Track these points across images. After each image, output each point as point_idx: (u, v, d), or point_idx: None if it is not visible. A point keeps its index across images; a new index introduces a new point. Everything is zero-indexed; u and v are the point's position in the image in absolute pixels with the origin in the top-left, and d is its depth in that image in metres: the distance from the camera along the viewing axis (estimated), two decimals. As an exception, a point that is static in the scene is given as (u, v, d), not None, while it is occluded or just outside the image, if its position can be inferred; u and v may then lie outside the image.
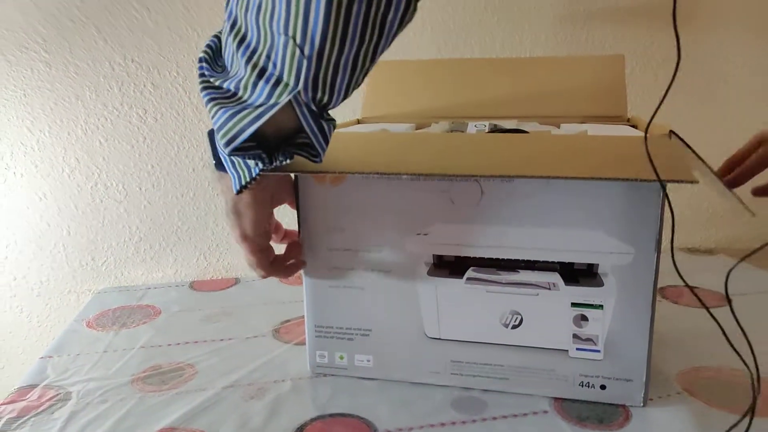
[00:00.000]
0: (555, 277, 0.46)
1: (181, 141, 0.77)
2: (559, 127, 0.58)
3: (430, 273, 0.49)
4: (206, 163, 0.77)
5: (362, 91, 0.75)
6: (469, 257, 0.48)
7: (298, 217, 0.50)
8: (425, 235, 0.48)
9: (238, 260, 0.82)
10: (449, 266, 0.48)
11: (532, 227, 0.45)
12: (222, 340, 0.62)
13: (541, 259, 0.46)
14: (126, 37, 0.73)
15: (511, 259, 0.47)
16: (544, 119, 0.60)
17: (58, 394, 0.52)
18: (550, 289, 0.46)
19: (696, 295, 0.41)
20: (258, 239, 0.46)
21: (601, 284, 0.45)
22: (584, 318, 0.46)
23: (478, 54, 0.80)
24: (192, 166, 0.78)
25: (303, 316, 0.53)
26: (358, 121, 0.65)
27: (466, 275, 0.48)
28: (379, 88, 0.68)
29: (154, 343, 0.61)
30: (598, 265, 0.45)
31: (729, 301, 0.38)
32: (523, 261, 0.47)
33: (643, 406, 0.47)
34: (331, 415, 0.47)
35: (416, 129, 0.62)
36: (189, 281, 0.80)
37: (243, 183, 0.39)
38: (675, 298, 0.69)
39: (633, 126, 0.56)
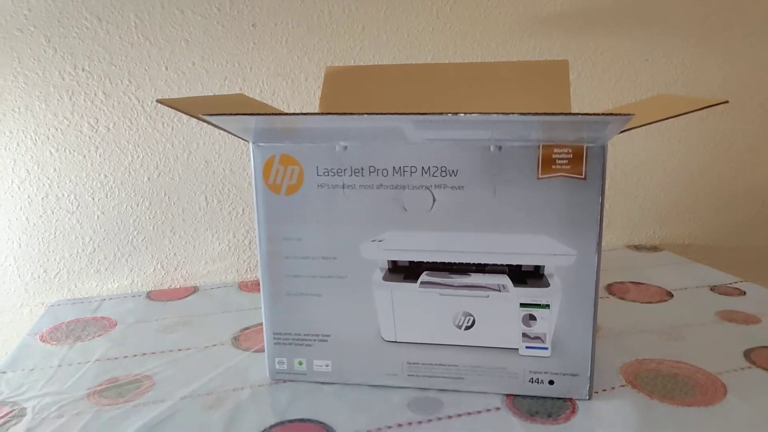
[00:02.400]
0: (504, 279, 0.48)
1: (135, 150, 0.76)
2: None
3: (385, 278, 0.50)
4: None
5: (317, 96, 0.76)
6: (423, 262, 0.49)
7: (257, 226, 0.51)
8: (380, 241, 0.49)
9: (196, 269, 0.82)
10: (403, 271, 0.50)
11: (481, 232, 0.47)
12: (180, 350, 0.62)
13: (491, 262, 0.48)
14: (76, 47, 0.72)
15: (462, 263, 0.48)
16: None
17: (12, 411, 0.51)
18: (500, 290, 0.48)
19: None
20: None
21: (547, 285, 0.47)
22: (532, 317, 0.48)
23: (432, 60, 0.82)
24: (147, 176, 0.78)
25: (262, 324, 0.53)
26: (313, 130, 0.66)
27: (420, 279, 0.49)
28: (334, 94, 0.69)
29: (110, 355, 0.61)
30: (544, 266, 0.47)
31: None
32: (474, 264, 0.48)
33: (589, 399, 0.49)
34: (291, 421, 0.48)
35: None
36: (146, 291, 0.80)
37: None
38: (621, 294, 0.72)
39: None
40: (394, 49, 0.81)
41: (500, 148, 0.46)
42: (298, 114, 0.45)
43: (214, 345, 0.63)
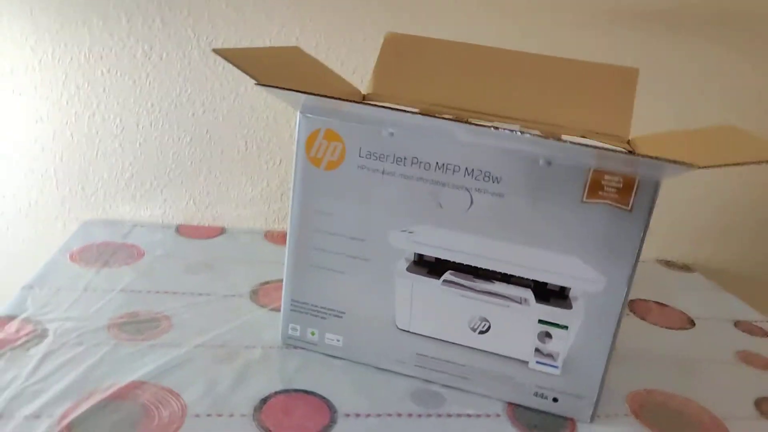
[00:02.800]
0: (527, 294, 0.48)
1: (185, 83, 0.76)
2: (560, 139, 0.59)
3: (409, 269, 0.50)
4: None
5: (372, 60, 0.74)
6: (449, 261, 0.49)
7: (291, 194, 0.51)
8: (410, 233, 0.49)
9: (226, 210, 0.83)
10: (428, 266, 0.50)
11: (513, 243, 0.46)
12: (201, 294, 0.63)
13: (517, 274, 0.47)
14: (139, -31, 0.71)
15: (488, 269, 0.48)
16: (546, 126, 0.60)
17: (35, 330, 0.53)
18: (521, 303, 0.48)
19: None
20: None
21: (569, 307, 0.47)
22: (548, 335, 0.48)
23: (495, 37, 0.78)
24: (192, 111, 0.77)
25: (282, 280, 0.54)
26: (363, 98, 0.64)
27: (443, 277, 0.49)
28: (390, 63, 0.67)
29: (134, 287, 0.63)
30: (570, 288, 0.47)
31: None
32: (500, 273, 0.48)
33: (590, 422, 0.49)
34: (296, 391, 0.49)
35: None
36: (176, 224, 0.81)
37: None
38: (643, 314, 0.71)
39: (630, 152, 0.56)
40: (459, 18, 0.77)
41: (549, 163, 0.44)
42: (347, 101, 0.44)
43: (233, 295, 0.64)
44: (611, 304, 0.46)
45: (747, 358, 0.64)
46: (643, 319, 0.70)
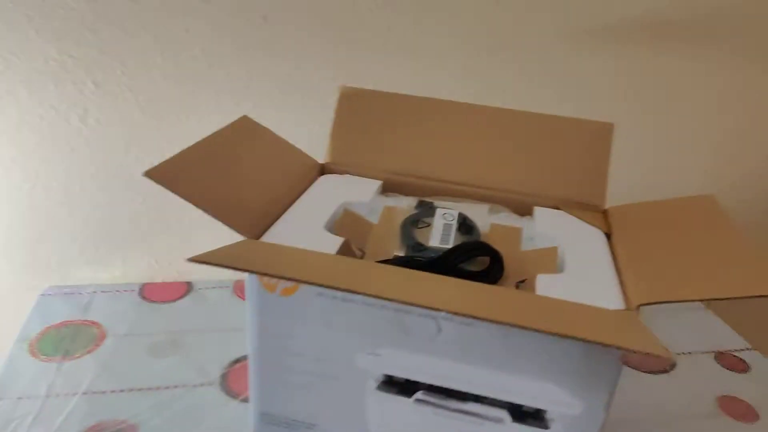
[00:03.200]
0: (503, 414, 0.46)
1: (128, 144, 0.70)
2: (531, 214, 0.55)
3: (379, 388, 0.47)
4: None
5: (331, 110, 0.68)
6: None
7: (247, 315, 0.48)
8: (377, 356, 0.46)
9: (191, 265, 0.79)
10: (398, 385, 0.47)
11: (485, 368, 0.44)
12: (167, 387, 0.61)
13: (491, 396, 0.45)
14: (61, 29, 0.64)
15: (461, 391, 0.46)
16: (517, 196, 0.57)
17: (-4, 464, 0.51)
18: (495, 422, 0.46)
19: None
20: None
21: (546, 427, 0.45)
22: (526, 452, 0.46)
23: (457, 70, 0.73)
24: (141, 171, 0.72)
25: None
26: (323, 169, 0.60)
27: (415, 396, 0.47)
28: (348, 123, 0.62)
29: (97, 387, 0.60)
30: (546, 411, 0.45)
31: None
32: (473, 394, 0.46)
33: None
34: None
35: (383, 190, 0.58)
36: (139, 284, 0.77)
37: None
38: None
39: (607, 234, 0.53)
40: (418, 57, 0.72)
41: (519, 297, 0.41)
42: (293, 279, 0.40)
43: (203, 384, 0.62)
44: (589, 426, 0.44)
45: (728, 405, 0.63)
46: (624, 363, 0.69)
